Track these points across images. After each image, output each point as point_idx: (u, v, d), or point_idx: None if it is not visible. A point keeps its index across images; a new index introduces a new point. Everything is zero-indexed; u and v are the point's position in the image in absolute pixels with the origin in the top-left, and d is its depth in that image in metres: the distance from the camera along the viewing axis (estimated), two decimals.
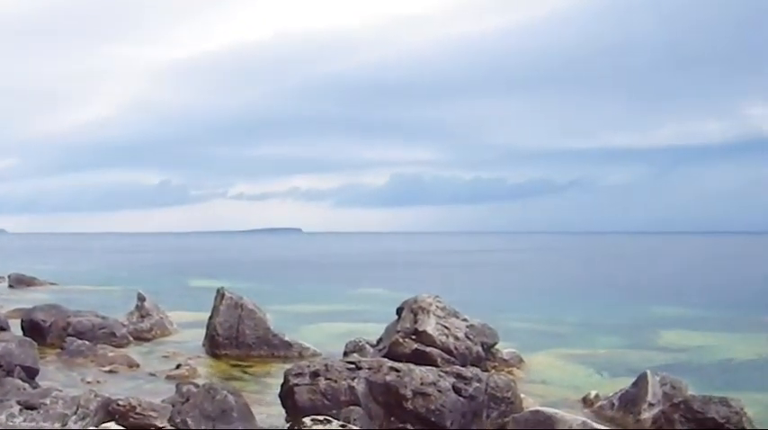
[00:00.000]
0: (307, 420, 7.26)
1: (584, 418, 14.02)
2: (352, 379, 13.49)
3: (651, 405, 14.34)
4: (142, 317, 24.28)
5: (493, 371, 17.59)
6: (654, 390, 14.69)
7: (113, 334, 22.38)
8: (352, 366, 13.88)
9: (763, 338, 25.09)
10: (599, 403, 15.45)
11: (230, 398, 12.87)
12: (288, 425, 12.75)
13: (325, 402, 13.18)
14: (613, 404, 15.05)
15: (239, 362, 19.94)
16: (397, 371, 13.63)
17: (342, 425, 7.13)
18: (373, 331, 21.67)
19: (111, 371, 18.08)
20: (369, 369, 13.74)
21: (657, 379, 15.02)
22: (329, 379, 13.49)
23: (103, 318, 23.14)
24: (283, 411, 13.78)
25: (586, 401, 15.88)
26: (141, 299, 24.74)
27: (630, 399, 14.85)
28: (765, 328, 27.34)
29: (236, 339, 20.97)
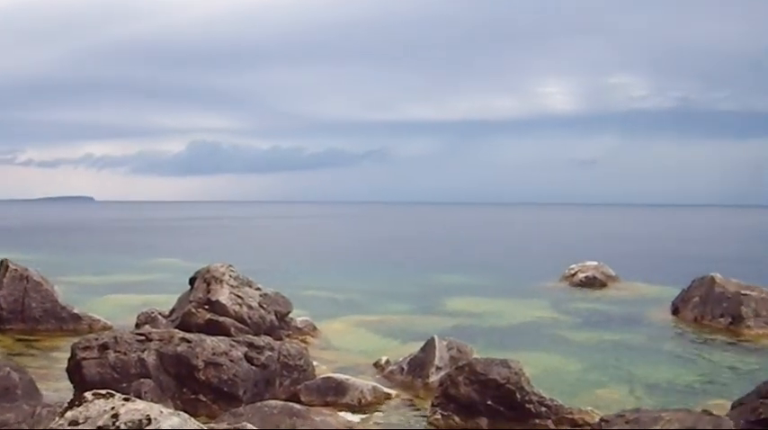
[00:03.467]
0: (88, 394, 7.08)
1: (374, 383, 14.48)
2: (143, 351, 13.29)
3: (438, 368, 14.92)
4: None
5: (286, 339, 17.78)
6: (441, 354, 15.29)
7: None
8: (143, 338, 13.67)
9: (535, 303, 26.52)
10: (389, 368, 15.93)
11: (14, 374, 12.42)
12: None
13: (115, 375, 12.95)
14: (403, 368, 15.57)
15: (25, 337, 19.21)
16: (189, 341, 13.54)
17: (125, 398, 7.02)
18: (166, 302, 21.38)
19: None
20: (159, 340, 13.57)
21: (444, 343, 15.65)
22: (118, 352, 13.23)
23: None
24: (72, 386, 13.43)
25: (377, 366, 16.33)
26: None
27: (419, 364, 15.40)
28: (536, 294, 28.88)
29: (22, 313, 20.15)
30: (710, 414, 11.17)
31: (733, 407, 11.90)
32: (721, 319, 22.51)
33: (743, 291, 22.86)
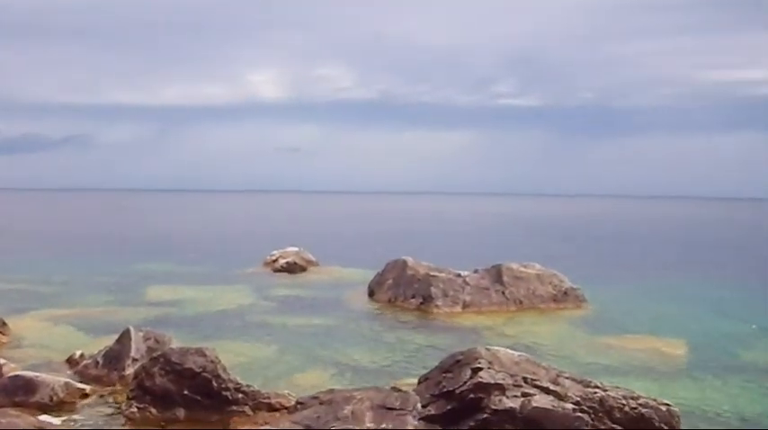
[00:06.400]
0: None
1: (66, 379, 13.99)
2: None
3: (135, 360, 14.70)
4: None
5: None
6: (137, 346, 15.07)
7: None
8: None
9: (237, 290, 26.94)
10: (84, 362, 15.46)
11: None
12: None
13: None
14: (98, 362, 15.17)
15: None
16: None
17: None
18: None
19: None
20: None
21: (141, 334, 15.43)
22: None
23: None
24: None
25: (71, 361, 15.79)
26: None
27: (115, 356, 15.08)
28: (238, 281, 29.31)
29: None
30: (399, 390, 11.89)
31: (419, 382, 12.64)
32: (413, 300, 23.84)
33: (432, 273, 24.29)
